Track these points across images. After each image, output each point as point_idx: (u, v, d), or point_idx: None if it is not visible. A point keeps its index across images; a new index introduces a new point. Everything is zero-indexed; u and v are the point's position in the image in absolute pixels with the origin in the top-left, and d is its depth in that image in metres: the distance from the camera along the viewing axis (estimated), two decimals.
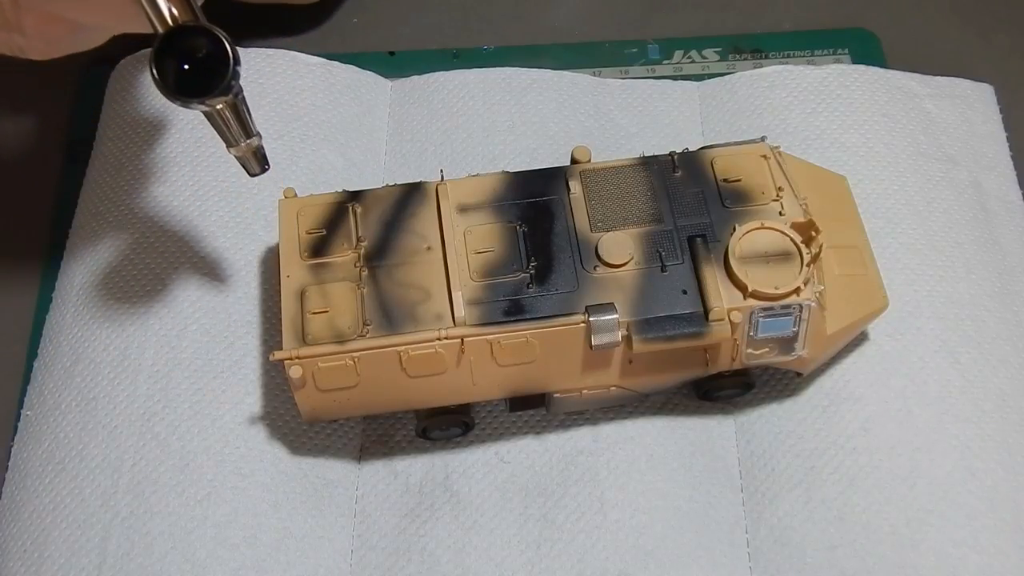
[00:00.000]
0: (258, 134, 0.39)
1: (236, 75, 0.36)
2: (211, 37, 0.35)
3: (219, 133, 0.39)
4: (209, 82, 0.36)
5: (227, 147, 0.39)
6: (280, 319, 0.41)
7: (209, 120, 0.38)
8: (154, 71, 0.35)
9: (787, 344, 0.42)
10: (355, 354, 0.40)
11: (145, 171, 0.49)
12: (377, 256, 0.42)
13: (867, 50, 0.56)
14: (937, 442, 0.43)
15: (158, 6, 0.36)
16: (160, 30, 0.36)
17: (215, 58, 0.36)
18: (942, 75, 0.53)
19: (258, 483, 0.43)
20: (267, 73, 0.52)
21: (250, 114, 0.39)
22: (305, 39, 0.57)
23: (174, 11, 0.36)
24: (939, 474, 0.42)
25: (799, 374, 0.44)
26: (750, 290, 0.40)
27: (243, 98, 0.38)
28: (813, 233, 0.41)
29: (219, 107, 0.37)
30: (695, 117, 0.53)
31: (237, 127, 0.38)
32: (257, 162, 0.40)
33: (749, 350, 0.42)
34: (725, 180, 0.43)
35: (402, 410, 0.44)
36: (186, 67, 0.35)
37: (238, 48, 0.36)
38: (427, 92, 0.53)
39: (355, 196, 0.43)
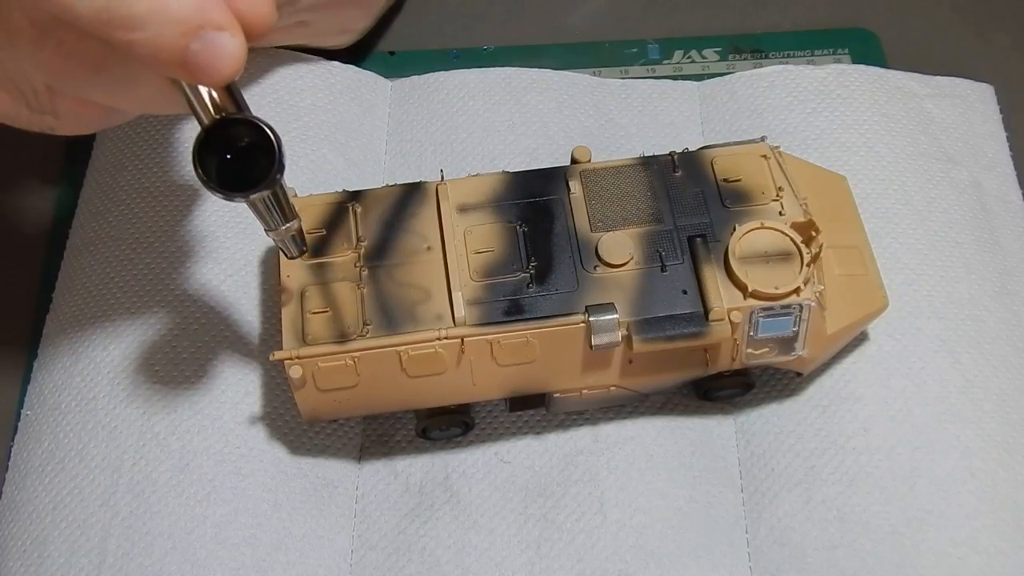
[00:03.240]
0: (297, 217, 0.38)
1: (282, 168, 0.34)
2: (256, 128, 0.34)
3: (257, 218, 0.38)
4: (253, 175, 0.34)
5: (265, 231, 0.38)
6: (280, 319, 0.41)
7: (249, 207, 0.37)
8: (197, 166, 0.34)
9: (787, 344, 0.42)
10: (355, 354, 0.40)
11: (145, 171, 0.49)
12: (377, 256, 0.42)
13: (867, 50, 0.56)
14: (937, 442, 0.43)
15: (201, 96, 0.34)
16: (204, 121, 0.34)
17: (258, 147, 0.34)
18: (942, 75, 0.53)
19: (258, 483, 0.43)
20: (267, 73, 0.52)
21: (287, 198, 0.37)
22: None
23: (216, 100, 0.34)
24: (939, 474, 0.42)
25: (799, 374, 0.44)
26: (750, 290, 0.40)
27: (284, 183, 0.36)
28: (813, 233, 0.41)
29: (262, 197, 0.36)
30: (695, 117, 0.53)
31: (277, 212, 0.37)
32: (296, 245, 0.39)
33: (749, 350, 0.42)
34: (725, 180, 0.43)
35: (402, 410, 0.44)
36: (228, 156, 0.34)
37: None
38: (427, 92, 0.53)
39: (355, 196, 0.43)
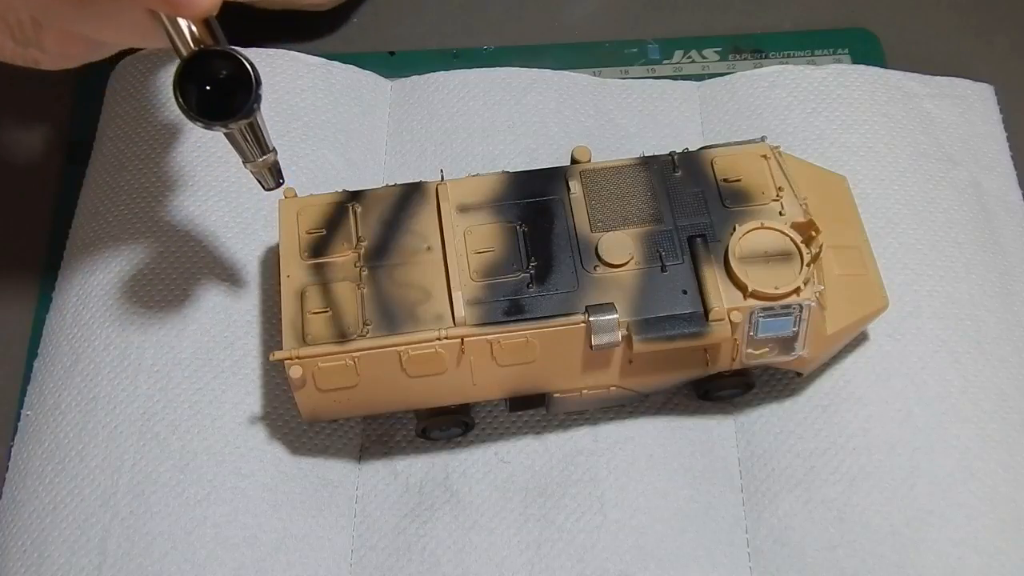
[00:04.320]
0: (274, 149, 0.40)
1: (259, 98, 0.36)
2: (234, 60, 0.35)
3: (236, 150, 0.39)
4: (232, 105, 0.36)
5: (243, 162, 0.40)
6: (280, 319, 0.41)
7: (227, 138, 0.38)
8: (177, 95, 0.35)
9: (787, 344, 0.42)
10: (355, 354, 0.40)
11: (145, 171, 0.49)
12: (377, 256, 0.42)
13: (867, 50, 0.56)
14: (937, 442, 0.43)
15: (180, 29, 0.36)
16: (183, 53, 0.36)
17: (237, 79, 0.35)
18: (942, 75, 0.53)
19: (258, 483, 0.43)
20: (267, 73, 0.51)
21: (266, 129, 0.39)
22: (305, 39, 0.57)
23: (196, 33, 0.36)
24: (939, 474, 0.42)
25: (799, 374, 0.44)
26: (750, 290, 0.40)
27: (260, 115, 0.37)
28: (813, 233, 0.41)
29: (239, 127, 0.37)
30: (695, 117, 0.53)
31: (255, 144, 0.39)
32: (272, 177, 0.41)
33: (749, 350, 0.42)
34: (725, 180, 0.43)
35: (402, 410, 0.44)
36: (207, 88, 0.35)
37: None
38: (427, 92, 0.53)
39: (355, 196, 0.43)
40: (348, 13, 0.58)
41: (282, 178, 0.41)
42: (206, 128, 0.36)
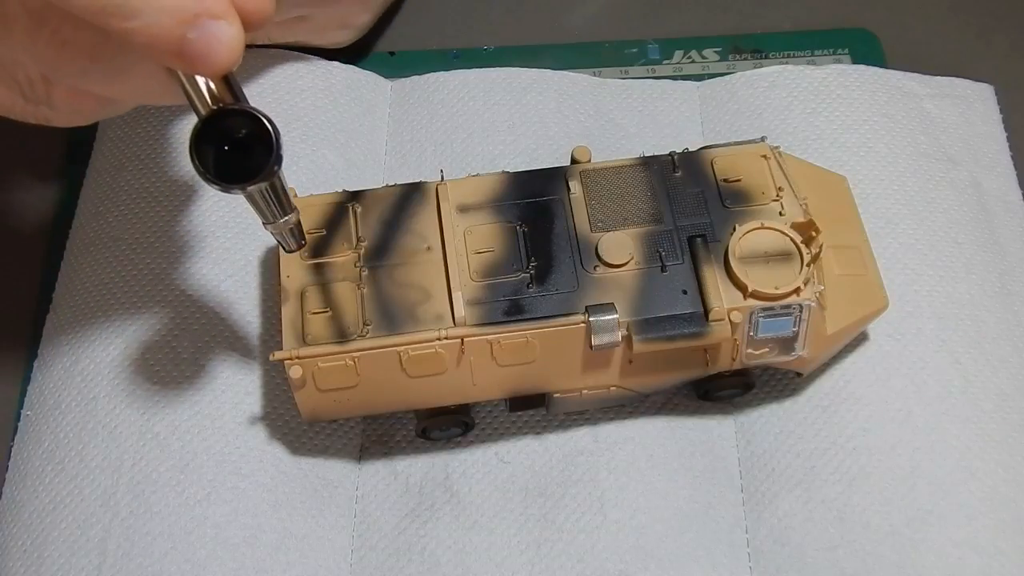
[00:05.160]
0: (295, 210, 0.38)
1: (279, 160, 0.34)
2: (254, 119, 0.34)
3: (255, 210, 0.37)
4: (250, 167, 0.34)
5: (263, 224, 0.38)
6: (280, 319, 0.41)
7: (247, 199, 0.36)
8: (194, 156, 0.33)
9: (787, 344, 0.42)
10: (355, 354, 0.40)
11: (145, 171, 0.49)
12: (377, 256, 0.42)
13: (867, 50, 0.56)
14: (937, 442, 0.43)
15: (198, 86, 0.34)
16: (201, 112, 0.34)
17: (256, 137, 0.34)
18: (942, 75, 0.53)
19: (258, 483, 0.43)
20: (267, 73, 0.52)
21: (287, 189, 0.37)
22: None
23: (214, 90, 0.34)
24: (939, 474, 0.42)
25: (799, 374, 0.44)
26: (750, 290, 0.40)
27: (282, 175, 0.35)
28: (813, 233, 0.41)
29: (259, 189, 0.35)
30: (695, 117, 0.53)
31: (275, 205, 0.37)
32: (294, 239, 0.39)
33: (749, 350, 0.42)
34: (725, 180, 0.43)
35: (402, 410, 0.44)
36: (225, 148, 0.34)
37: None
38: (427, 92, 0.53)
39: (355, 196, 0.43)
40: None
41: (304, 239, 0.39)
42: (223, 191, 0.34)
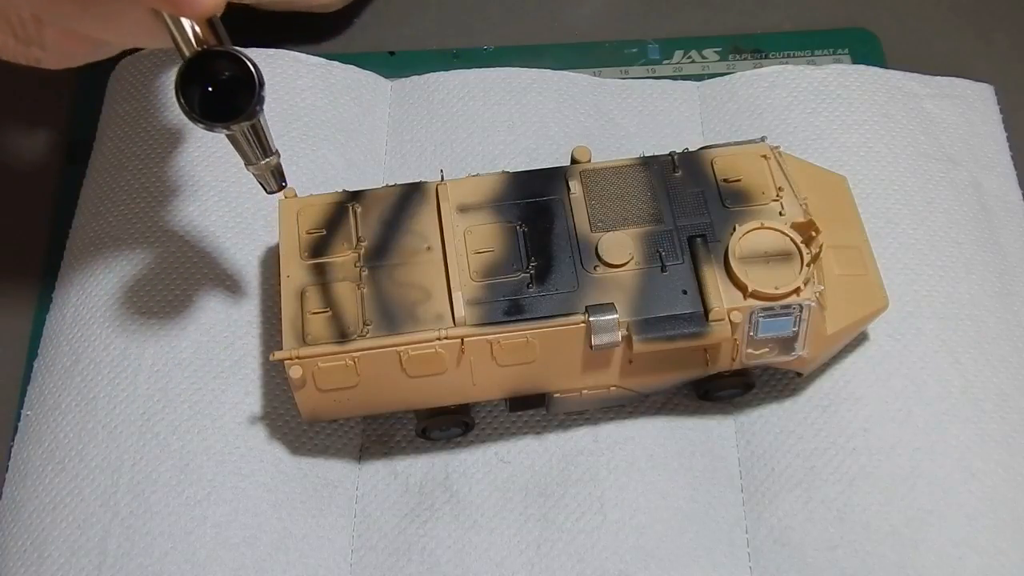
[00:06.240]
0: (277, 152, 0.39)
1: (261, 99, 0.36)
2: (237, 61, 0.35)
3: (238, 152, 0.39)
4: (234, 106, 0.35)
5: (245, 165, 0.39)
6: (280, 319, 0.41)
7: (230, 140, 0.38)
8: (179, 96, 0.35)
9: (787, 344, 0.42)
10: (355, 354, 0.40)
11: (145, 171, 0.49)
12: (377, 256, 0.42)
13: (867, 50, 0.56)
14: (937, 442, 0.43)
15: (183, 29, 0.35)
16: (186, 53, 0.35)
17: (239, 80, 0.35)
18: (942, 75, 0.53)
19: (258, 483, 0.43)
20: (267, 73, 0.51)
21: (269, 131, 0.38)
22: (305, 39, 0.57)
23: (199, 33, 0.35)
24: (939, 474, 0.42)
25: (799, 374, 0.44)
26: (750, 290, 0.40)
27: (263, 116, 0.37)
28: (813, 233, 0.41)
29: (241, 128, 0.37)
30: (695, 117, 0.53)
31: (257, 146, 0.38)
32: (275, 180, 0.40)
33: (749, 350, 0.42)
34: (725, 180, 0.43)
35: (402, 410, 0.44)
36: (210, 89, 0.35)
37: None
38: (427, 92, 0.53)
39: (355, 196, 0.43)
40: (349, 13, 0.58)
41: (284, 181, 0.41)
42: (208, 129, 0.36)
